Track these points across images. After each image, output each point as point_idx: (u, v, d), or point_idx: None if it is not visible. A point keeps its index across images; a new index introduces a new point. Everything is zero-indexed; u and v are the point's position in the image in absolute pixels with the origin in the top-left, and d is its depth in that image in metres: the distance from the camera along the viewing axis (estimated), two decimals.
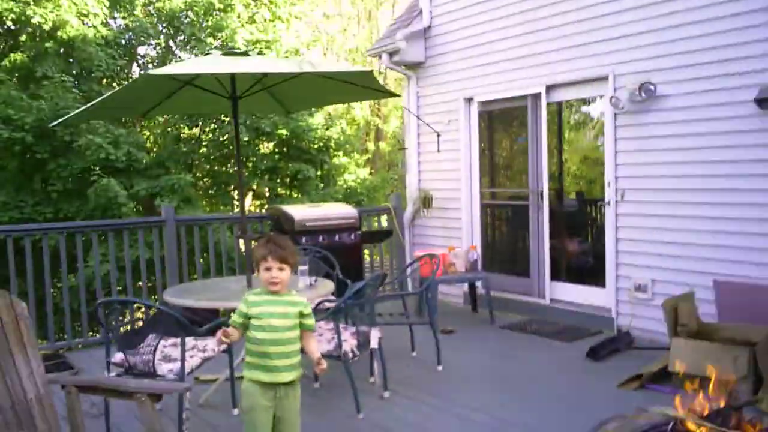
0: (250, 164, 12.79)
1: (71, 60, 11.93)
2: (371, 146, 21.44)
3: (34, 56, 11.61)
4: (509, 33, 6.52)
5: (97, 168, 10.65)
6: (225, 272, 6.64)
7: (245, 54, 4.03)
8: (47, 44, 11.44)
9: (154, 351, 3.45)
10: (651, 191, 5.44)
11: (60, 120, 3.87)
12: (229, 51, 4.03)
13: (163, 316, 3.55)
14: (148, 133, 13.35)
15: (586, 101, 6.30)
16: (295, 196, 12.95)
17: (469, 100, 7.12)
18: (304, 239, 6.18)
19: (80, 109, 3.93)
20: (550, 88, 6.27)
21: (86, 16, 11.75)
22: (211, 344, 3.81)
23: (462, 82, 7.14)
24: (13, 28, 11.86)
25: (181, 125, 12.45)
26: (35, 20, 11.07)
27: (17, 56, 11.60)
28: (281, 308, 2.70)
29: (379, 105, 21.94)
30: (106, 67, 11.87)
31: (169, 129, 12.72)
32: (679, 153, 5.23)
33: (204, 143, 12.76)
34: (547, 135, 6.34)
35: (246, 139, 11.95)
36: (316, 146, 13.04)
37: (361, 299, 3.98)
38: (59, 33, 11.32)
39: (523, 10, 6.36)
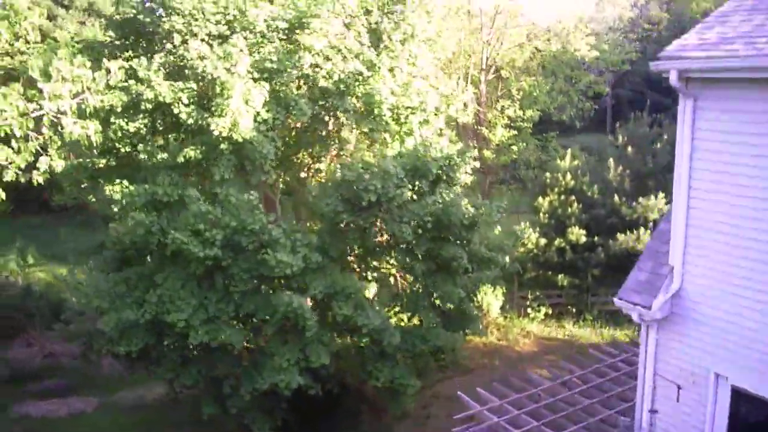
0: (404, 245, 13.16)
1: (240, 155, 12.17)
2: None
3: (208, 157, 11.97)
4: None
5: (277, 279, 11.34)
6: None
7: None
8: (222, 146, 11.72)
9: None
10: None
11: None
12: None
13: None
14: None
15: None
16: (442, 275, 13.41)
17: (719, 376, 7.15)
18: None
19: None
20: None
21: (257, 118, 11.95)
22: None
23: (711, 354, 7.18)
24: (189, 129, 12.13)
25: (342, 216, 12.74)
26: (213, 127, 11.32)
27: (191, 152, 11.84)
28: None
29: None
30: (272, 159, 12.23)
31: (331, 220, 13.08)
32: None
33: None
34: None
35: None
36: (461, 222, 13.02)
37: None
38: (233, 134, 11.53)
39: None
